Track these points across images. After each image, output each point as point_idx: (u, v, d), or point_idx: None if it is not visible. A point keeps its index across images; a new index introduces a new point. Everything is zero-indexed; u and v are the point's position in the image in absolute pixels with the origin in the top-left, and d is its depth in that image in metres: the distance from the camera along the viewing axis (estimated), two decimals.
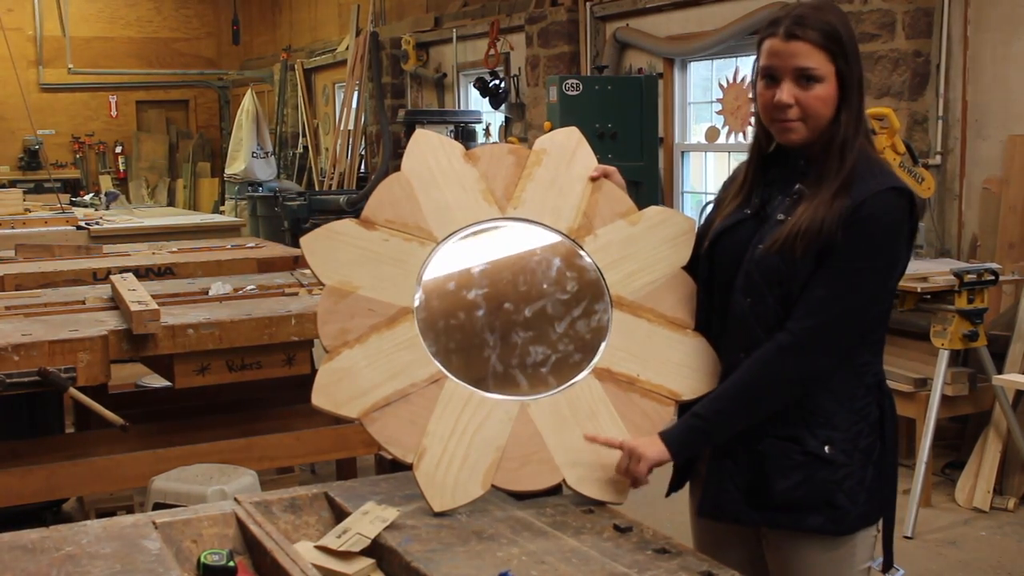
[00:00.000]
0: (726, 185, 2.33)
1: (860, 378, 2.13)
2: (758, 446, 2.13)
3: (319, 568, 1.87)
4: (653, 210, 2.37)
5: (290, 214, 10.23)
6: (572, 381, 2.20)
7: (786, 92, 2.07)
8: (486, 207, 2.28)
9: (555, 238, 2.30)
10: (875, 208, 2.03)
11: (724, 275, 2.20)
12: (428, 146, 2.31)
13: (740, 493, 2.15)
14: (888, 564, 2.25)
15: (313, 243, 2.17)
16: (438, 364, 2.14)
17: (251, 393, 4.24)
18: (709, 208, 2.36)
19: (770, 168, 2.21)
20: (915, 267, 4.82)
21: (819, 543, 2.14)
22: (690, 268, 2.32)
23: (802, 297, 2.06)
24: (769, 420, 2.11)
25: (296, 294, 3.97)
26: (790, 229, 2.05)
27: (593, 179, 2.34)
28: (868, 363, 2.15)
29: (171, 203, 16.05)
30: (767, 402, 2.09)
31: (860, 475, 2.12)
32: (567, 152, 2.37)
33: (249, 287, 4.16)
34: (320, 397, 2.07)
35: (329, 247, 2.17)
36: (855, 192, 2.04)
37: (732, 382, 2.11)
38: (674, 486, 2.36)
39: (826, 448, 2.10)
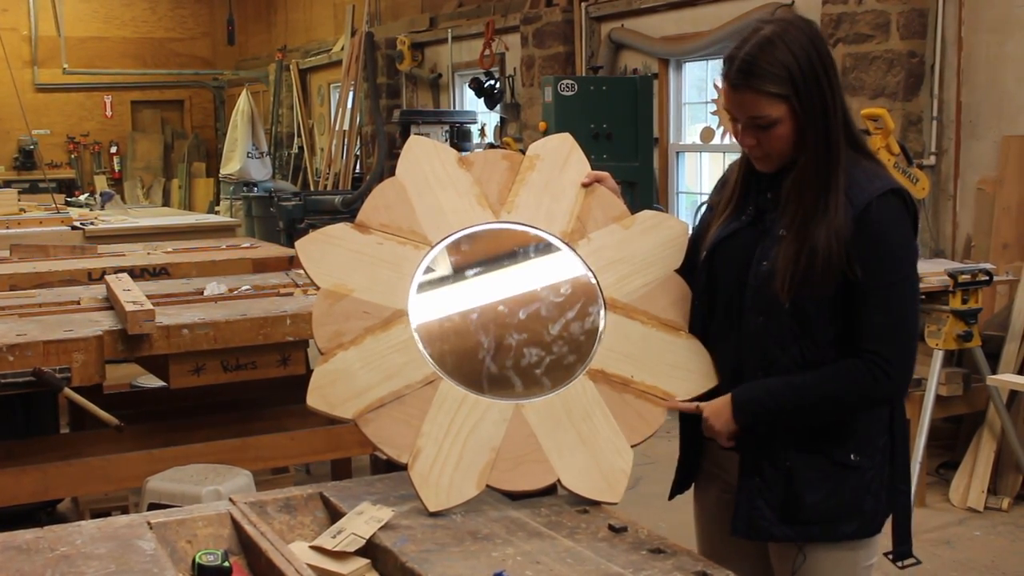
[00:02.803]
0: (719, 187, 2.32)
1: None
2: (786, 462, 2.12)
3: (314, 568, 1.87)
4: (646, 214, 2.38)
5: (285, 214, 10.22)
6: (567, 383, 2.21)
7: (746, 136, 2.10)
8: (480, 211, 2.29)
9: (549, 241, 2.31)
10: (883, 216, 2.02)
11: (726, 286, 2.19)
12: (422, 151, 2.32)
13: (772, 511, 2.13)
14: (907, 553, 2.25)
15: (308, 246, 2.18)
16: (433, 365, 2.15)
17: (246, 393, 4.24)
18: (703, 210, 2.35)
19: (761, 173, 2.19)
20: None
21: (849, 548, 2.14)
22: (685, 272, 2.31)
23: (863, 323, 2.04)
24: (794, 434, 2.11)
25: (291, 294, 3.97)
26: (796, 257, 2.03)
27: (586, 185, 2.35)
28: None
29: (166, 203, 16.04)
30: (839, 415, 2.10)
31: (881, 475, 2.13)
32: (560, 157, 2.38)
33: (244, 287, 4.15)
34: (315, 398, 2.08)
35: (324, 250, 2.18)
36: (854, 198, 2.03)
37: (817, 385, 2.07)
38: (677, 489, 2.36)
39: (852, 456, 2.10)
